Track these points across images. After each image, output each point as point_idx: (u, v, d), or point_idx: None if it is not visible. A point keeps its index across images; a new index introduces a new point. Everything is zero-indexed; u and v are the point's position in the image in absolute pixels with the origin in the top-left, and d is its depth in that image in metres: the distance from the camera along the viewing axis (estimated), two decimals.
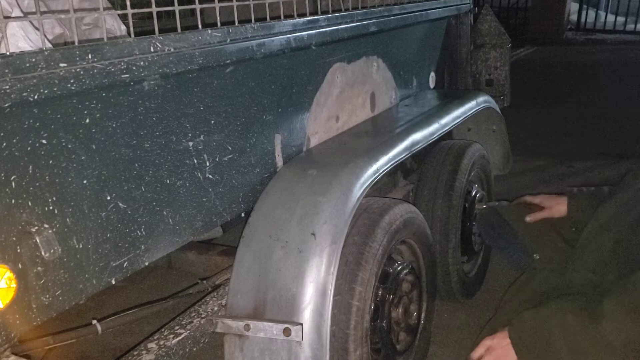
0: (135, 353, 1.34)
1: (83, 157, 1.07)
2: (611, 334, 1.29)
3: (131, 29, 1.16)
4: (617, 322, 1.29)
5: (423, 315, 1.94)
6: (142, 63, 1.12)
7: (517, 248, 2.08)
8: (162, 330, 1.43)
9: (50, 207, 1.03)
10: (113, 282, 1.17)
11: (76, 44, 1.03)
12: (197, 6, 1.30)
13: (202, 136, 1.35)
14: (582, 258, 1.65)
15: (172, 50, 1.19)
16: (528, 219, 1.97)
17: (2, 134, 0.93)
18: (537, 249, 1.99)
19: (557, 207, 1.94)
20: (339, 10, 1.82)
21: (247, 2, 1.43)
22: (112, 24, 1.76)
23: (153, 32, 1.17)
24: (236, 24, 1.37)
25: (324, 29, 1.69)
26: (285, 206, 1.48)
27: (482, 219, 2.27)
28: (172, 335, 1.40)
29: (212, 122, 1.37)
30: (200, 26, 1.28)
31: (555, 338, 1.35)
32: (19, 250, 0.98)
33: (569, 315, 1.36)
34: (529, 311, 1.48)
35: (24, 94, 0.93)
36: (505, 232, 2.15)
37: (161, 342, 1.38)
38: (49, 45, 1.11)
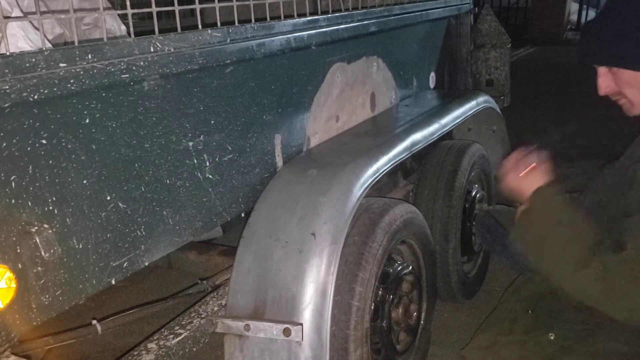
0: (135, 353, 1.34)
1: (83, 157, 1.07)
2: (583, 283, 1.35)
3: (131, 29, 1.17)
4: (592, 278, 1.33)
5: (423, 315, 1.94)
6: (142, 63, 1.12)
7: (513, 251, 2.08)
8: (162, 330, 1.43)
9: (50, 207, 1.03)
10: (113, 282, 1.17)
11: (76, 44, 1.03)
12: (197, 6, 1.30)
13: (202, 136, 1.34)
14: None
15: (172, 50, 1.19)
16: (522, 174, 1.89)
17: (2, 134, 0.93)
18: None
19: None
20: (339, 10, 1.82)
21: (247, 2, 1.43)
22: (112, 24, 1.75)
23: (153, 32, 1.17)
24: (236, 24, 1.37)
25: (324, 29, 1.69)
26: (285, 206, 1.48)
27: (478, 223, 2.27)
28: (172, 335, 1.40)
29: (212, 122, 1.37)
30: (200, 26, 1.28)
31: (549, 240, 1.42)
32: (19, 250, 0.98)
33: (570, 241, 1.40)
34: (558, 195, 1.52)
35: (24, 94, 0.93)
36: (501, 235, 2.15)
37: (161, 342, 1.38)
38: (49, 45, 1.11)
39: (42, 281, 1.02)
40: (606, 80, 1.51)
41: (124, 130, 1.15)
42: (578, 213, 1.48)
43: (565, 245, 1.41)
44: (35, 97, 0.94)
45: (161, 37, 1.17)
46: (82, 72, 1.01)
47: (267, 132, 1.57)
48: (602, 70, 1.52)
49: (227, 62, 1.36)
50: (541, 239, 1.44)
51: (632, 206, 1.46)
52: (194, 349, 1.42)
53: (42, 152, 1.00)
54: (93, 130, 1.09)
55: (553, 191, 1.51)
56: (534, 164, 1.53)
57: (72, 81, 1.00)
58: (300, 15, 1.61)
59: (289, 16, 1.57)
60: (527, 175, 1.53)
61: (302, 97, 1.70)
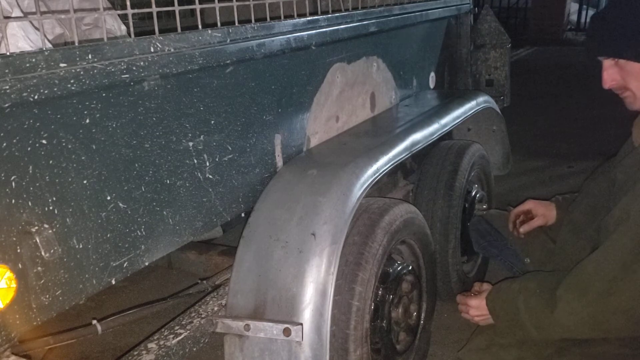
0: (135, 353, 1.34)
1: (83, 157, 1.07)
2: (564, 319, 1.45)
3: (131, 29, 1.16)
4: (568, 307, 1.44)
5: (423, 315, 1.94)
6: (142, 63, 1.12)
7: (508, 254, 2.09)
8: (162, 330, 1.43)
9: (50, 207, 1.03)
10: (113, 282, 1.17)
11: (76, 44, 1.03)
12: (197, 6, 1.30)
13: (202, 136, 1.35)
14: (563, 260, 1.72)
15: (172, 50, 1.19)
16: (522, 229, 2.00)
17: (2, 134, 0.93)
18: (528, 252, 2.01)
19: (550, 213, 1.97)
20: (339, 10, 1.82)
21: (247, 2, 1.43)
22: (112, 24, 1.75)
23: (153, 32, 1.17)
24: (236, 24, 1.37)
25: (324, 29, 1.69)
26: (285, 206, 1.48)
27: (472, 229, 2.27)
28: (172, 335, 1.40)
29: (212, 122, 1.37)
30: (200, 26, 1.28)
31: (522, 314, 1.53)
32: (19, 250, 0.98)
33: (533, 298, 1.52)
34: (504, 283, 1.66)
35: (24, 94, 0.93)
36: (495, 239, 2.16)
37: (161, 342, 1.38)
38: (49, 45, 1.11)
39: (42, 281, 1.02)
40: (612, 74, 1.52)
41: (124, 130, 1.15)
42: (528, 279, 1.62)
43: (531, 305, 1.52)
44: (36, 97, 0.94)
45: (161, 37, 1.17)
46: (82, 72, 1.01)
47: (267, 132, 1.57)
48: (607, 63, 1.53)
49: (227, 62, 1.36)
50: (514, 317, 1.56)
51: (610, 209, 1.49)
52: (194, 349, 1.42)
53: (42, 152, 1.00)
54: (93, 130, 1.09)
55: (498, 288, 1.66)
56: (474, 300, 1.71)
57: (72, 81, 1.00)
58: (300, 15, 1.61)
59: (289, 16, 1.57)
60: (474, 297, 1.71)
61: (302, 97, 1.70)
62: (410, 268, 1.83)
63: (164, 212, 1.27)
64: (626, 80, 1.50)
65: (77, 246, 1.08)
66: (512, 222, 2.07)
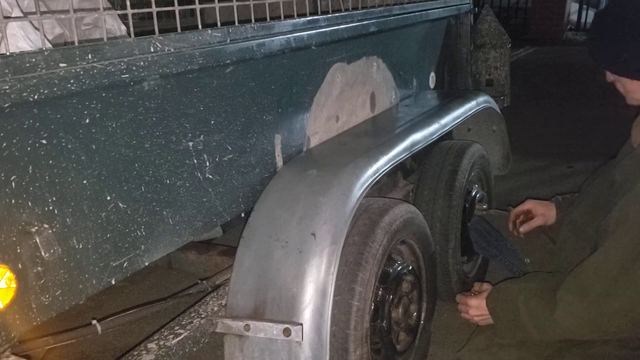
0: (135, 353, 1.34)
1: (83, 157, 1.07)
2: (564, 320, 1.45)
3: (131, 29, 1.16)
4: (568, 308, 1.44)
5: (423, 315, 1.94)
6: (142, 63, 1.12)
7: (508, 254, 2.09)
8: (162, 330, 1.43)
9: (50, 207, 1.03)
10: (113, 282, 1.17)
11: (76, 44, 1.03)
12: (197, 6, 1.30)
13: (202, 136, 1.35)
14: (563, 260, 1.72)
15: (172, 50, 1.19)
16: (522, 229, 2.00)
17: (2, 134, 0.93)
18: (528, 253, 2.02)
19: (550, 213, 1.97)
20: (339, 10, 1.82)
21: (247, 2, 1.43)
22: (112, 24, 1.75)
23: (153, 32, 1.17)
24: (236, 24, 1.37)
25: (324, 29, 1.69)
26: (285, 206, 1.48)
27: (471, 229, 2.27)
28: (172, 335, 1.40)
29: (212, 122, 1.37)
30: (200, 26, 1.28)
31: (522, 314, 1.53)
32: (19, 250, 0.98)
33: (533, 299, 1.52)
34: (504, 283, 1.67)
35: (24, 94, 0.93)
36: (495, 239, 2.16)
37: (161, 342, 1.38)
38: (49, 45, 1.11)
39: (42, 281, 1.02)
40: (606, 73, 1.64)
41: (124, 130, 1.15)
42: (528, 280, 1.64)
43: (532, 305, 1.52)
44: (35, 97, 0.94)
45: (161, 37, 1.17)
46: (82, 72, 1.01)
47: (267, 132, 1.57)
48: None
49: (227, 62, 1.36)
50: (514, 318, 1.56)
51: (609, 209, 1.50)
52: (194, 349, 1.42)
53: (42, 152, 1.00)
54: (93, 130, 1.09)
55: (498, 288, 1.66)
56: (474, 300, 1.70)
57: (72, 81, 1.00)
58: (300, 15, 1.61)
59: (289, 16, 1.57)
60: (474, 297, 1.70)
61: (302, 97, 1.70)
62: (410, 268, 1.83)
63: (164, 212, 1.27)
64: (614, 83, 1.62)
65: (77, 246, 1.08)
66: (512, 222, 2.07)
